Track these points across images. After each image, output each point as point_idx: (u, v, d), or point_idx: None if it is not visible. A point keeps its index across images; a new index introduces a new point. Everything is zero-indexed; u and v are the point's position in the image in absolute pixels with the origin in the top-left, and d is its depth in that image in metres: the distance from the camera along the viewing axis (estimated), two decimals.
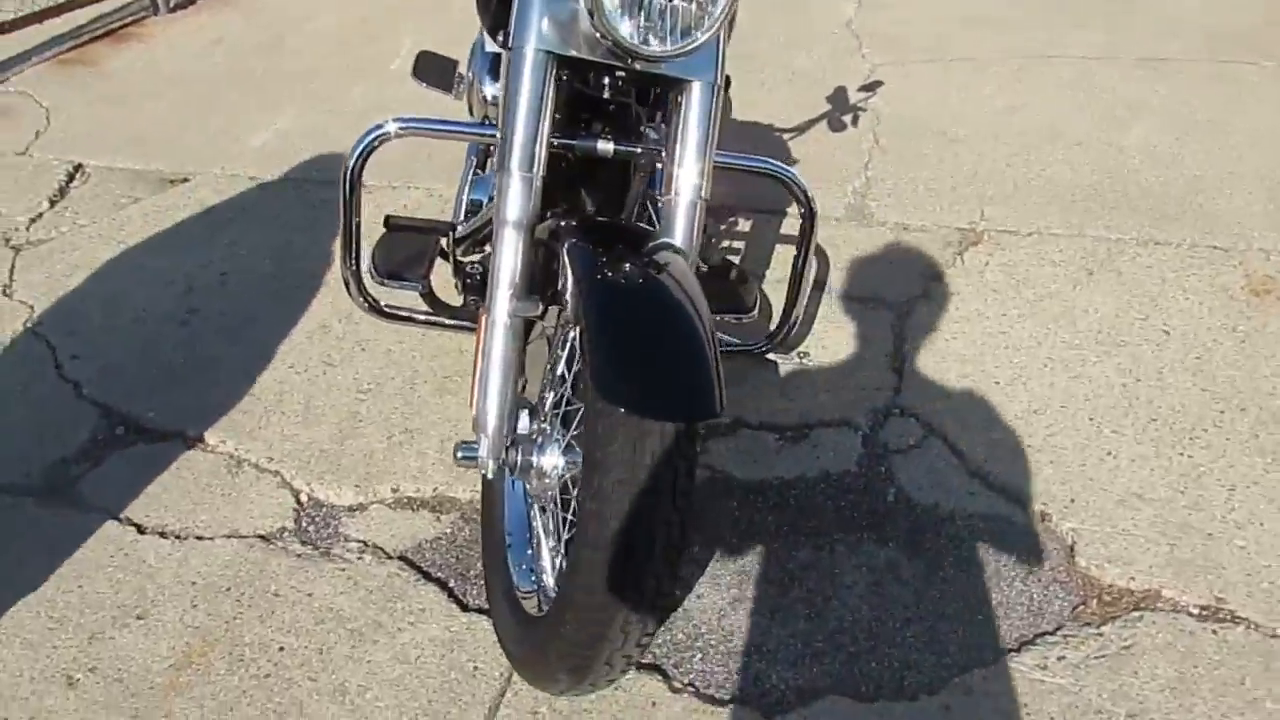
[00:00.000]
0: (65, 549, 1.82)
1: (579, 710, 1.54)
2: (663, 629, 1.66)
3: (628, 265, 1.32)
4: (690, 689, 1.58)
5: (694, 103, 1.50)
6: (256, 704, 1.55)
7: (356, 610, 1.70)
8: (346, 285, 1.80)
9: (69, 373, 2.27)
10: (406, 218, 1.83)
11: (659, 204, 1.54)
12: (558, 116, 1.50)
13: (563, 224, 1.48)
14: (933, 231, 2.73)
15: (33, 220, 2.91)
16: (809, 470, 1.97)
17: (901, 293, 2.48)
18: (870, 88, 3.54)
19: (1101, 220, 2.75)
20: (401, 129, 1.65)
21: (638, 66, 1.45)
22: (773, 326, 2.00)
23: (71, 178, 3.15)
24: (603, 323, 1.26)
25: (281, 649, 1.63)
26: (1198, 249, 2.60)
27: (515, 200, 1.45)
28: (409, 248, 1.82)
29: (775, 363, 2.23)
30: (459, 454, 1.50)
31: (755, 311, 1.91)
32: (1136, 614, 1.68)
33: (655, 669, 1.60)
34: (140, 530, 1.86)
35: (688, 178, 1.51)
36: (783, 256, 2.63)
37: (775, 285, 2.50)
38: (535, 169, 1.46)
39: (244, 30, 4.36)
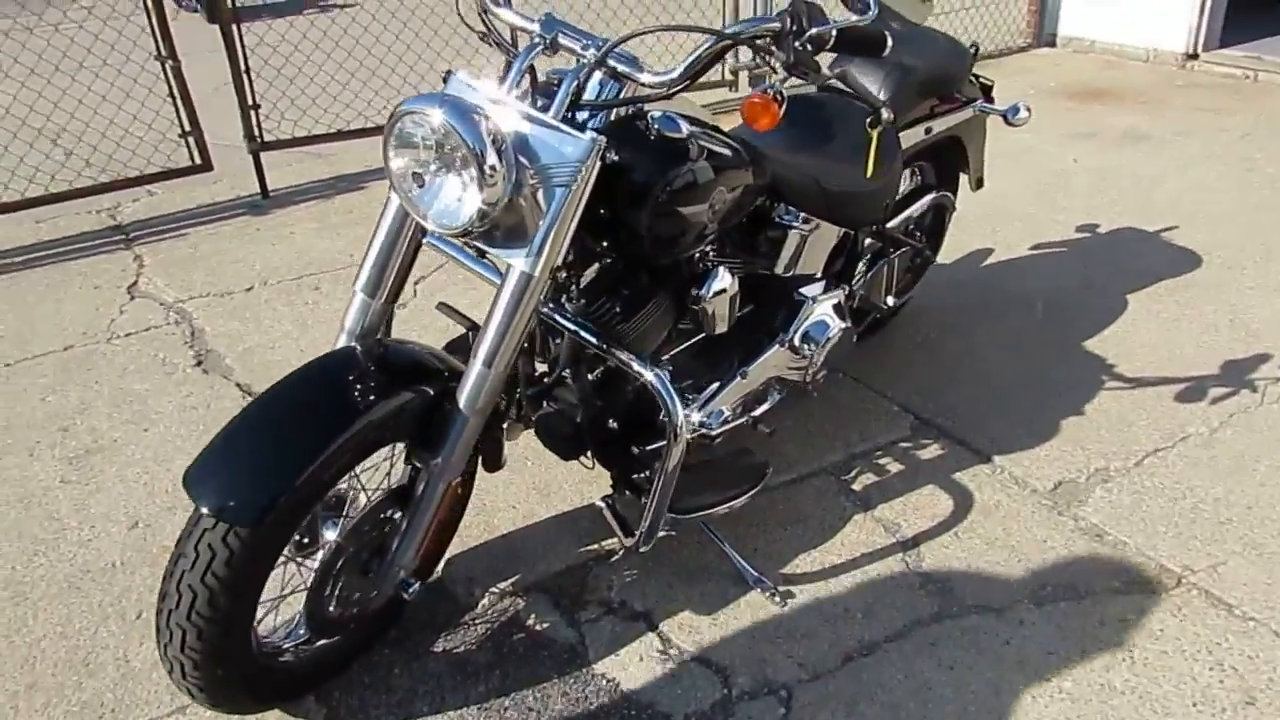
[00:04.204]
0: None
1: None
2: None
3: (308, 379, 1.54)
4: None
5: (506, 283, 1.59)
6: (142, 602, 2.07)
7: None
8: None
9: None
10: (451, 306, 2.09)
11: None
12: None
13: (383, 340, 1.71)
14: (1124, 554, 2.10)
15: None
16: (660, 704, 1.81)
17: (980, 598, 2.00)
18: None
19: None
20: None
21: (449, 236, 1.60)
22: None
23: None
24: (241, 411, 1.51)
25: None
26: None
27: (349, 314, 1.73)
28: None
29: (758, 592, 2.01)
30: None
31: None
32: None
33: None
34: None
35: (481, 350, 1.61)
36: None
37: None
38: (378, 295, 1.72)
39: None
